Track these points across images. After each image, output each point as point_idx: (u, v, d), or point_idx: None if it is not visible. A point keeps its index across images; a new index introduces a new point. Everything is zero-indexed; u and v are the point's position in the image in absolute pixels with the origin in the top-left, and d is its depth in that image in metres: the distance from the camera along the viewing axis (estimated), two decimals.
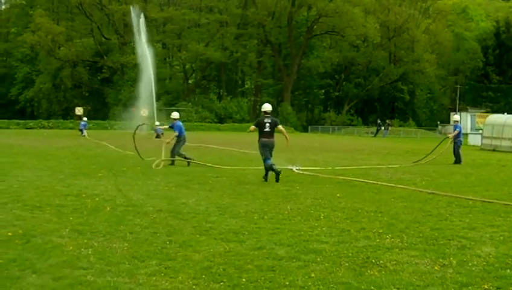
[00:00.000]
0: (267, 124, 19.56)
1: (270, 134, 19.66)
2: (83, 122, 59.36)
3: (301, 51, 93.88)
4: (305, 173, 22.46)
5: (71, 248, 9.20)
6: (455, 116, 33.04)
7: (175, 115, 25.83)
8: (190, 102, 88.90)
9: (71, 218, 11.74)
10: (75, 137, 50.13)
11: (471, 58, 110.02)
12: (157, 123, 57.06)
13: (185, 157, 24.99)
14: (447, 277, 8.07)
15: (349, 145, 47.12)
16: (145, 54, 67.74)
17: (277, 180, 19.01)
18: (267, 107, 20.07)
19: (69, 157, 27.83)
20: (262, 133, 19.65)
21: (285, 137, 20.34)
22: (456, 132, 29.95)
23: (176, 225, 11.31)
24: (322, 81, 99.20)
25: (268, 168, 19.45)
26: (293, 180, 19.58)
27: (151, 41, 76.77)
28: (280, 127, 19.77)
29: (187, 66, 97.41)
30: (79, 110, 70.60)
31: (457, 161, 29.52)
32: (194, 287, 7.50)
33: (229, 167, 24.20)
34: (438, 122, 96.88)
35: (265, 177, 19.58)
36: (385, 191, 17.31)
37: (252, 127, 20.23)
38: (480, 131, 51.45)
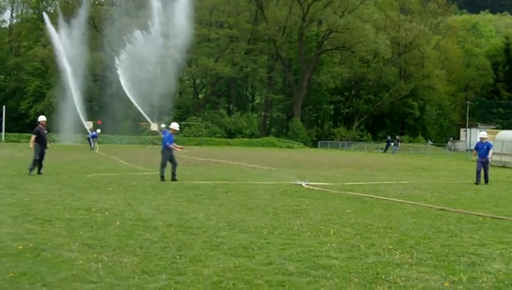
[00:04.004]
0: (45, 132, 26.56)
1: (46, 141, 26.48)
2: (93, 132, 59.11)
3: (311, 67, 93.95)
4: (314, 188, 22.41)
5: (81, 262, 9.20)
6: (482, 133, 29.98)
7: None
8: (200, 117, 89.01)
9: (81, 232, 11.74)
10: (84, 151, 50.22)
11: (481, 74, 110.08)
12: (163, 125, 57.06)
13: None
14: None
15: (359, 161, 47.04)
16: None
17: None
18: (42, 118, 26.85)
19: (79, 171, 27.88)
20: (42, 140, 25.76)
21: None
22: (491, 151, 29.02)
23: (185, 239, 11.30)
24: (332, 96, 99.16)
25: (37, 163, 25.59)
26: (303, 196, 19.57)
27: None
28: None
29: (197, 81, 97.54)
30: (89, 124, 70.76)
31: (486, 179, 27.70)
32: None
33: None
34: (451, 138, 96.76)
35: (32, 171, 25.27)
36: (395, 207, 17.27)
37: (33, 137, 25.91)
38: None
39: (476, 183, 26.98)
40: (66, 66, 76.08)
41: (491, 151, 28.48)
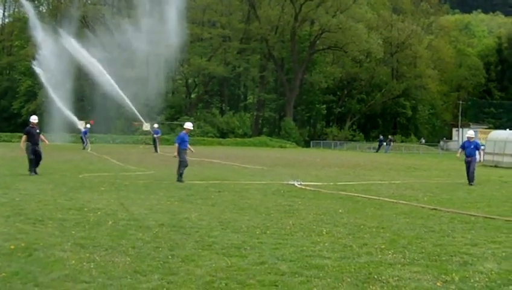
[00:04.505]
0: (37, 132, 26.02)
1: (39, 140, 25.90)
2: (84, 129, 58.47)
3: (304, 66, 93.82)
4: (307, 188, 22.44)
5: (73, 261, 9.20)
6: (470, 132, 29.66)
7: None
8: (192, 116, 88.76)
9: (73, 232, 11.74)
10: (77, 151, 50.11)
11: (473, 74, 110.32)
12: (155, 125, 56.68)
13: None
14: None
15: (351, 161, 47.08)
16: None
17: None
18: (33, 119, 26.54)
19: (71, 171, 27.83)
20: (33, 139, 25.55)
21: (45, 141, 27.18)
22: (482, 152, 28.24)
23: (178, 239, 11.31)
24: (325, 96, 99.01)
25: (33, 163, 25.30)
26: (295, 196, 19.60)
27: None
28: (42, 136, 26.56)
29: (189, 81, 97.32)
30: (81, 124, 70.46)
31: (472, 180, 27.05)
32: None
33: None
34: (444, 138, 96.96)
35: (32, 171, 25.09)
36: (387, 206, 17.31)
37: (24, 137, 25.91)
38: (482, 147, 51.31)
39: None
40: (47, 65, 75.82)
41: (481, 152, 27.89)
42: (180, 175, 24.13)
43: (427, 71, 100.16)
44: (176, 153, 24.41)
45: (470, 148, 27.55)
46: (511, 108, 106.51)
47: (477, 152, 28.36)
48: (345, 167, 38.96)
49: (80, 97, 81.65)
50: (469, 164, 27.15)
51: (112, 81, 68.02)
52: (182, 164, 24.28)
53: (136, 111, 69.61)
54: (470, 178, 26.96)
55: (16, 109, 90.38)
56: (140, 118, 70.61)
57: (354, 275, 8.85)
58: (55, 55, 74.91)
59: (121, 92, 67.61)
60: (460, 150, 28.77)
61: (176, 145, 24.55)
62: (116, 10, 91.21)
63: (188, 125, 25.84)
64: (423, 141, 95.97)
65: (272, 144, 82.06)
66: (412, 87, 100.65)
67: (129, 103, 68.60)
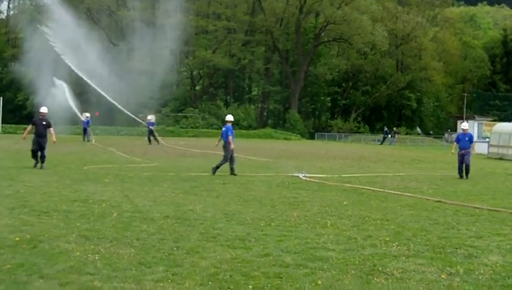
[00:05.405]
0: (43, 124, 24.78)
1: (44, 133, 24.66)
2: (85, 120, 56.73)
3: (309, 58, 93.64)
4: (311, 180, 22.43)
5: (78, 253, 9.21)
6: (464, 124, 29.06)
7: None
8: (197, 108, 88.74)
9: (78, 224, 11.75)
10: (81, 143, 50.08)
11: (478, 66, 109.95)
12: (149, 117, 55.47)
13: None
14: (454, 285, 8.06)
15: (356, 153, 47.00)
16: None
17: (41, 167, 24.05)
18: (42, 109, 25.51)
19: (76, 163, 27.82)
20: (37, 130, 24.62)
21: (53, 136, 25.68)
22: (472, 145, 27.56)
23: (182, 231, 11.31)
24: (330, 88, 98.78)
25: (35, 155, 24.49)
26: (300, 188, 19.60)
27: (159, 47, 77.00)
28: (51, 129, 25.44)
29: (194, 73, 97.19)
30: (83, 115, 70.19)
31: (468, 172, 26.13)
32: None
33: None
34: (448, 130, 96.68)
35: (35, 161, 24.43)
36: (392, 199, 17.30)
37: (29, 127, 25.59)
38: (487, 139, 51.13)
39: (460, 178, 25.72)
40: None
41: (474, 145, 26.84)
42: (216, 168, 24.35)
43: (432, 63, 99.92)
44: (232, 146, 24.57)
45: (464, 141, 26.71)
46: None
47: (470, 145, 27.68)
48: (350, 159, 38.91)
49: (85, 89, 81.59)
50: (462, 157, 26.28)
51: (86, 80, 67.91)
52: (227, 159, 24.57)
53: (116, 103, 69.23)
54: (467, 171, 26.18)
55: (20, 101, 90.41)
56: (126, 111, 70.16)
57: (359, 267, 8.85)
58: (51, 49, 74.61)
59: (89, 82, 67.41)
60: (455, 144, 27.75)
61: (230, 137, 24.61)
62: (121, 2, 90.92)
63: (230, 117, 26.21)
64: (419, 130, 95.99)
65: (276, 136, 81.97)
66: (417, 79, 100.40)
67: (107, 97, 68.16)
